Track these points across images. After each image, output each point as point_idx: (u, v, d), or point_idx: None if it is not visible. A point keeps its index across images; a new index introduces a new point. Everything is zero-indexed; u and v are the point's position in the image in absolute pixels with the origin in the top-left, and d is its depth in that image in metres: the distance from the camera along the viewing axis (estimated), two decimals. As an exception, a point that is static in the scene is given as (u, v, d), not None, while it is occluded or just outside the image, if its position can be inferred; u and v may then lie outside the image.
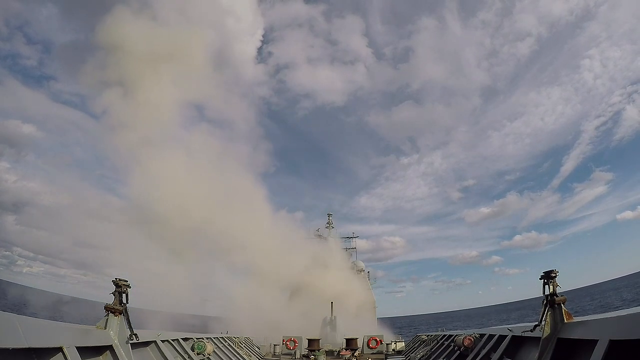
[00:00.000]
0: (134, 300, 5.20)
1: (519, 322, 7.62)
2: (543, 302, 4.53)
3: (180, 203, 22.14)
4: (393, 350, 15.78)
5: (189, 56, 23.82)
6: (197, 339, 8.31)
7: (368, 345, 15.27)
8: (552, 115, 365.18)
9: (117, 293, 4.93)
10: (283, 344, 14.98)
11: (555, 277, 4.54)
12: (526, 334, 5.11)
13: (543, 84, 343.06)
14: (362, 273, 29.43)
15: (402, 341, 17.22)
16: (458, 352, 7.99)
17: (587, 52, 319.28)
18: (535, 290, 4.72)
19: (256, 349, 15.85)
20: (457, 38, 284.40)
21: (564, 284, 4.52)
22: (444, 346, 10.16)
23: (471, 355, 7.25)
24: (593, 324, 3.54)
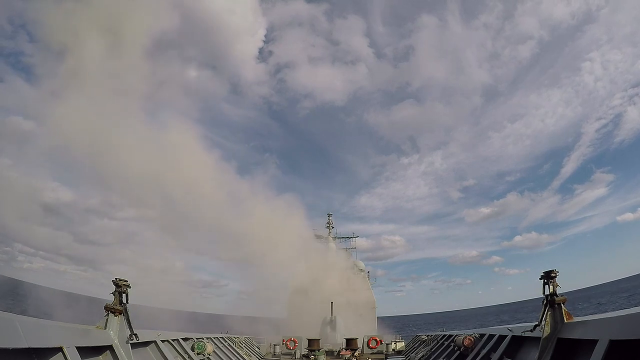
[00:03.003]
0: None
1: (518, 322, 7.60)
2: (543, 302, 4.53)
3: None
4: (393, 350, 15.77)
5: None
6: (197, 339, 8.30)
7: (368, 345, 15.27)
8: (552, 117, 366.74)
9: (117, 293, 4.92)
10: (283, 344, 14.98)
11: (555, 277, 4.54)
12: (526, 334, 5.10)
13: (544, 86, 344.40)
14: (362, 273, 29.37)
15: (402, 341, 17.20)
16: (458, 352, 7.99)
17: (588, 55, 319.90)
18: (535, 290, 4.70)
19: (256, 349, 15.84)
20: (458, 39, 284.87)
21: (564, 285, 4.53)
22: (444, 346, 10.16)
23: (471, 355, 7.24)
24: (593, 324, 3.53)
